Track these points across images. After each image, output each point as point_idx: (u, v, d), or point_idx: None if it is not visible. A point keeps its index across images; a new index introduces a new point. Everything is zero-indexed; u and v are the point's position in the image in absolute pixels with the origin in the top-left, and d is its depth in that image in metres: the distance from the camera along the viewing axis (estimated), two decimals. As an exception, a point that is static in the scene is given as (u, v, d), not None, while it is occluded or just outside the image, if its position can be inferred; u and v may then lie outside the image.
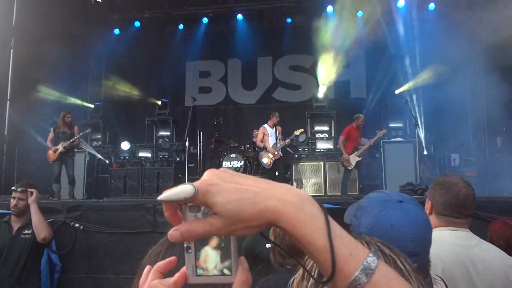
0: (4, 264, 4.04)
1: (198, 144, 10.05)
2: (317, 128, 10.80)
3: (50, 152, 7.83)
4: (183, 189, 0.53)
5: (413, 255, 1.18)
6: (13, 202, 4.16)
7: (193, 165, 9.72)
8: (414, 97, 10.34)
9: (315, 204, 0.57)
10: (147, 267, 0.66)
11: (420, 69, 10.46)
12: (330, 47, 11.57)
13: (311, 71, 12.31)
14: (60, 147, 7.79)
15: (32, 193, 4.20)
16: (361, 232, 1.24)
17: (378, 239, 0.88)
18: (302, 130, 9.23)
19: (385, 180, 8.71)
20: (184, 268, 0.61)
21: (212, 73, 12.86)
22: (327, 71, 12.03)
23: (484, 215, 4.42)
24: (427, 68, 10.26)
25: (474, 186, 2.01)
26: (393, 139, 9.32)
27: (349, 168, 8.30)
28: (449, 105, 9.69)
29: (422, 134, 9.80)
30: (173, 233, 0.56)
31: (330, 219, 0.56)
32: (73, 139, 7.91)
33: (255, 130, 10.45)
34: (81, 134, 8.16)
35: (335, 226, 0.56)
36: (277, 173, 8.70)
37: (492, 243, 2.10)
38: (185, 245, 0.60)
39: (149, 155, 10.47)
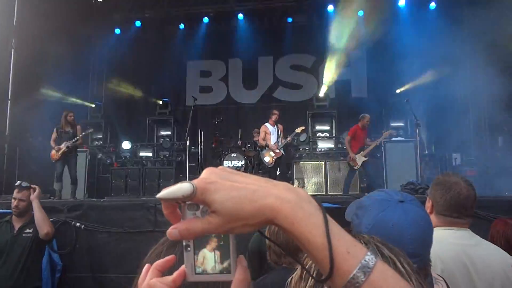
0: (5, 263, 4.08)
1: (199, 144, 10.05)
2: (318, 127, 10.80)
3: (53, 152, 7.87)
4: (182, 187, 0.53)
5: (414, 255, 1.18)
6: (14, 203, 4.22)
7: (194, 164, 9.72)
8: (415, 96, 10.31)
9: (313, 202, 0.57)
10: (146, 265, 0.66)
11: (421, 68, 10.44)
12: (331, 47, 11.57)
13: (312, 70, 12.32)
14: (63, 147, 7.82)
15: (34, 189, 4.27)
16: (362, 232, 1.24)
17: (379, 238, 0.88)
18: (303, 127, 9.23)
19: (386, 179, 8.71)
20: (183, 266, 0.61)
21: (213, 73, 12.86)
22: (328, 70, 12.03)
23: (485, 215, 4.42)
24: (428, 68, 10.25)
25: (475, 185, 2.00)
26: (394, 139, 9.31)
27: (355, 168, 8.30)
28: (450, 104, 9.69)
29: (423, 133, 9.78)
30: (171, 231, 0.56)
31: (329, 217, 0.56)
32: (75, 138, 7.94)
33: (255, 130, 10.47)
34: (83, 133, 8.19)
35: (333, 224, 0.56)
36: (278, 172, 8.69)
37: (493, 243, 2.09)
38: (184, 244, 0.60)
39: (150, 154, 10.48)
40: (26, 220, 4.27)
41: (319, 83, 12.12)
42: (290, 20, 12.05)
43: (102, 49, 11.86)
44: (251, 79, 12.60)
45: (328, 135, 10.59)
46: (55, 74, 9.38)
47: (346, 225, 1.20)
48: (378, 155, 9.16)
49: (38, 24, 8.68)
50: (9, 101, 9.35)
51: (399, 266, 0.78)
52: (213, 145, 10.66)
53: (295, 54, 12.41)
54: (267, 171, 8.90)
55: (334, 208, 4.72)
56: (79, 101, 11.25)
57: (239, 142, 10.53)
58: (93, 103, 12.02)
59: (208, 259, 0.60)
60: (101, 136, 11.25)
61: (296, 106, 11.88)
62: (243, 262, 0.61)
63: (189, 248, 0.60)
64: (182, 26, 12.42)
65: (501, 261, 1.84)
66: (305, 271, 0.84)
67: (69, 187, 8.14)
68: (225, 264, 0.60)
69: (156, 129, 11.71)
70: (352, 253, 0.55)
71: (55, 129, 8.05)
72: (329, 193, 8.88)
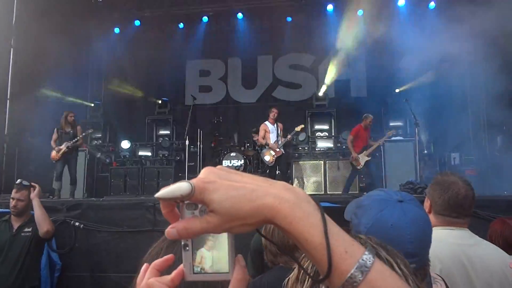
0: (4, 262, 4.11)
1: (198, 143, 10.04)
2: (317, 126, 10.81)
3: (54, 152, 7.92)
4: (180, 187, 0.53)
5: (412, 255, 1.18)
6: (12, 203, 4.25)
7: (193, 164, 9.71)
8: (414, 96, 10.32)
9: (312, 202, 0.57)
10: (145, 265, 0.67)
11: (420, 68, 10.44)
12: (330, 46, 11.57)
13: (311, 70, 12.31)
14: (63, 148, 7.88)
15: (34, 188, 4.32)
16: (361, 231, 1.24)
17: (376, 240, 0.88)
18: (303, 126, 9.24)
19: (385, 179, 8.72)
20: (181, 265, 0.62)
21: (212, 72, 12.85)
22: (327, 70, 12.04)
23: (484, 214, 4.42)
24: (427, 67, 10.25)
25: (474, 185, 1.99)
26: (393, 138, 9.33)
27: (358, 167, 8.30)
28: (449, 103, 9.69)
29: (422, 133, 9.79)
30: (170, 230, 0.56)
31: (327, 216, 0.56)
32: (76, 139, 7.97)
33: (255, 130, 10.46)
34: (83, 134, 8.23)
35: (331, 224, 0.56)
36: (278, 172, 8.68)
37: (492, 242, 2.10)
38: (182, 243, 0.60)
39: (149, 153, 10.49)
40: (25, 219, 4.31)
41: (319, 83, 12.12)
42: (289, 19, 12.04)
43: (101, 48, 11.84)
44: (250, 79, 12.59)
45: (327, 134, 10.60)
46: (54, 74, 9.37)
47: (344, 224, 1.20)
48: (377, 154, 9.17)
49: (37, 23, 8.66)
50: (8, 101, 9.33)
51: (396, 268, 0.78)
52: (212, 145, 10.66)
53: (295, 53, 12.40)
54: (265, 170, 8.90)
55: (333, 208, 4.72)
56: (78, 101, 11.24)
57: (238, 142, 10.54)
58: (92, 103, 12.01)
59: (206, 258, 0.60)
60: (100, 135, 11.24)
61: (295, 105, 11.87)
62: (241, 262, 0.61)
63: (187, 248, 0.60)
64: (181, 25, 12.41)
65: (499, 260, 1.84)
66: (301, 272, 0.84)
67: (68, 187, 8.16)
68: (223, 264, 0.60)
69: (155, 128, 11.70)
70: (350, 253, 0.55)
71: (55, 130, 8.10)
72: (328, 192, 8.89)
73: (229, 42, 12.25)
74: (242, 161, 9.75)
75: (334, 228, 0.56)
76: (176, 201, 0.57)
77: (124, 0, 11.65)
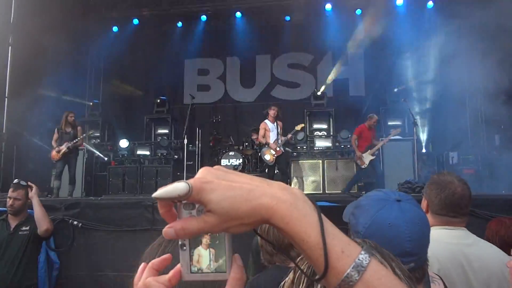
0: (1, 261, 4.13)
1: (197, 142, 10.03)
2: (315, 126, 10.80)
3: (54, 152, 7.95)
4: (177, 187, 0.53)
5: (411, 254, 1.18)
6: (9, 202, 4.27)
7: (191, 163, 9.70)
8: (413, 95, 10.35)
9: (308, 202, 0.57)
10: (142, 264, 0.67)
11: (419, 67, 10.46)
12: (329, 45, 11.58)
13: (310, 69, 12.31)
14: (64, 148, 7.91)
15: (31, 187, 4.35)
16: (359, 231, 1.24)
17: (371, 242, 0.88)
18: (303, 125, 9.22)
19: (384, 178, 8.72)
20: (178, 265, 0.62)
21: (211, 71, 12.84)
22: (325, 69, 12.05)
23: (482, 213, 4.43)
24: (425, 67, 10.26)
25: (472, 184, 2.00)
26: (391, 137, 9.33)
27: (363, 166, 8.28)
28: (447, 103, 9.70)
29: (420, 132, 9.81)
30: (167, 230, 0.56)
31: (323, 216, 0.56)
32: (76, 140, 8.02)
33: (254, 129, 10.45)
34: (84, 135, 8.29)
35: (328, 224, 0.56)
36: (276, 171, 8.67)
37: (489, 241, 2.10)
38: (179, 243, 0.60)
39: (147, 152, 10.47)
40: (22, 218, 4.33)
41: (317, 82, 12.12)
42: (288, 18, 12.03)
43: (99, 47, 11.83)
44: (248, 78, 12.59)
45: (325, 133, 10.60)
46: (53, 72, 9.36)
47: (343, 224, 1.20)
48: (375, 154, 9.17)
49: (36, 22, 8.65)
50: (6, 99, 9.32)
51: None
52: (211, 144, 10.66)
53: (293, 52, 12.40)
54: (264, 169, 8.89)
55: (331, 207, 4.73)
56: (76, 99, 11.22)
57: (236, 141, 10.53)
58: (90, 101, 11.99)
59: (204, 258, 0.61)
60: (98, 134, 11.22)
61: (293, 104, 11.87)
62: (239, 261, 0.61)
63: (184, 247, 0.60)
64: (180, 24, 12.39)
65: (497, 260, 1.85)
66: (297, 275, 0.85)
67: (66, 186, 8.17)
68: (221, 263, 0.60)
69: (153, 127, 11.68)
70: (347, 252, 0.55)
71: (56, 129, 8.14)
72: (326, 191, 8.89)
73: (227, 41, 12.24)
74: (241, 160, 9.75)
75: (330, 228, 0.56)
76: (173, 201, 0.57)
77: (122, -1, 11.64)
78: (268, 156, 8.52)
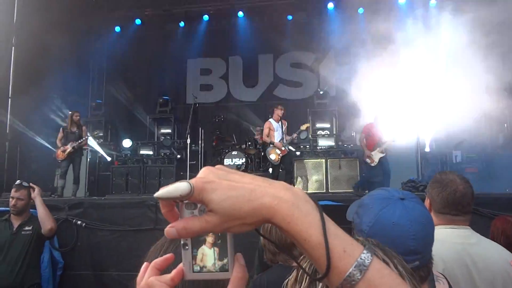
0: (4, 261, 4.15)
1: (200, 142, 10.04)
2: (318, 125, 10.78)
3: (59, 151, 8.03)
4: (179, 187, 0.53)
5: (415, 253, 1.18)
6: (12, 202, 4.30)
7: (194, 162, 9.72)
8: (416, 94, 10.30)
9: (310, 201, 0.57)
10: (145, 264, 0.67)
11: (422, 65, 10.41)
12: (331, 44, 11.56)
13: (312, 68, 12.29)
14: (69, 147, 8.00)
15: (34, 188, 4.38)
16: (363, 230, 1.24)
17: (374, 241, 0.88)
18: (308, 124, 9.21)
19: (390, 177, 8.68)
20: (181, 264, 0.62)
21: (213, 71, 12.84)
22: (328, 68, 12.02)
23: (486, 212, 4.42)
24: (428, 65, 10.22)
25: (476, 183, 2.00)
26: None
27: (372, 164, 8.24)
28: (451, 101, 9.66)
29: (424, 130, 9.77)
30: (169, 230, 0.56)
31: (325, 216, 0.56)
32: (81, 140, 8.08)
33: (257, 128, 10.45)
34: (89, 135, 8.35)
35: (330, 223, 0.56)
36: (280, 170, 8.65)
37: (494, 240, 2.10)
38: (181, 242, 0.60)
39: (150, 152, 10.47)
40: (25, 218, 4.36)
41: (320, 81, 12.10)
42: (290, 17, 12.03)
43: (102, 47, 11.86)
44: (251, 77, 12.59)
45: (328, 132, 10.58)
46: (56, 73, 9.39)
47: (347, 223, 1.20)
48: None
49: (38, 22, 8.67)
50: (9, 99, 9.35)
51: (393, 268, 0.78)
52: (214, 143, 10.66)
53: (296, 51, 12.37)
54: (267, 169, 8.88)
55: (335, 206, 4.73)
56: (79, 99, 11.25)
57: (239, 140, 10.53)
58: (93, 101, 12.02)
59: (208, 257, 0.61)
60: (101, 134, 11.24)
61: (296, 104, 11.85)
62: (241, 260, 0.61)
63: (187, 247, 0.60)
64: (182, 24, 12.40)
65: (502, 259, 1.84)
66: (300, 273, 0.85)
67: (70, 185, 8.21)
68: (223, 262, 0.60)
69: (156, 127, 11.70)
70: (349, 252, 0.55)
71: (61, 129, 8.24)
72: (329, 190, 8.87)
73: (230, 41, 12.24)
74: (244, 160, 9.75)
75: (332, 228, 0.56)
76: (175, 201, 0.57)
77: (124, -1, 11.66)
78: (273, 156, 8.49)
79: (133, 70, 12.41)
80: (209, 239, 0.60)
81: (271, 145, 8.46)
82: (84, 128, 8.36)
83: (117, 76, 12.44)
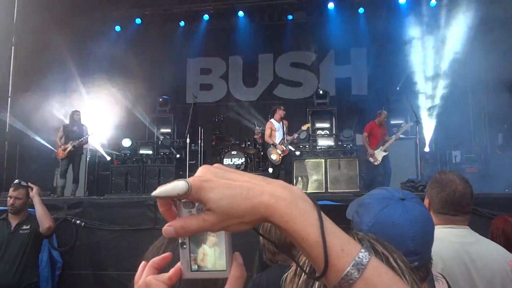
0: (2, 259, 4.17)
1: (199, 141, 10.04)
2: (318, 125, 10.77)
3: (60, 150, 8.04)
4: (177, 185, 0.53)
5: (414, 253, 1.17)
6: (10, 201, 4.32)
7: (194, 162, 9.71)
8: (416, 94, 10.32)
9: (308, 200, 0.57)
10: (143, 262, 0.67)
11: (421, 66, 10.43)
12: (331, 44, 11.57)
13: (312, 68, 12.30)
14: (69, 146, 8.00)
15: (32, 188, 4.39)
16: (362, 230, 1.23)
17: (374, 236, 0.88)
18: (309, 125, 9.22)
19: (390, 177, 8.69)
20: (179, 263, 0.62)
21: (213, 70, 12.85)
22: (328, 68, 12.03)
23: (485, 212, 4.42)
24: (428, 65, 10.23)
25: (475, 182, 2.00)
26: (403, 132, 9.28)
27: (375, 163, 8.24)
28: (451, 101, 9.68)
29: (423, 131, 9.78)
30: (167, 228, 0.56)
31: (323, 214, 0.56)
32: (82, 138, 8.07)
33: (256, 128, 10.45)
34: (89, 134, 8.33)
35: (327, 222, 0.56)
36: (281, 171, 8.64)
37: (493, 240, 2.10)
38: (179, 241, 0.60)
39: (150, 152, 10.46)
40: (23, 217, 4.37)
41: (319, 81, 12.11)
42: (290, 17, 12.03)
43: (102, 46, 11.84)
44: (251, 77, 12.59)
45: (328, 132, 10.57)
46: (55, 72, 9.39)
47: (345, 222, 1.20)
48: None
49: (38, 21, 8.67)
50: (9, 99, 9.35)
51: (392, 262, 0.78)
52: (213, 143, 10.66)
53: (295, 51, 12.39)
54: (266, 169, 8.86)
55: (334, 206, 4.73)
56: (80, 99, 11.23)
57: (239, 140, 10.53)
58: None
59: (209, 256, 0.61)
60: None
61: (296, 103, 11.86)
62: (239, 259, 0.61)
63: (185, 246, 0.60)
64: (182, 23, 12.39)
65: (500, 258, 1.84)
66: (299, 269, 0.85)
67: (69, 185, 8.20)
68: (221, 261, 0.60)
69: (156, 126, 11.70)
70: (346, 250, 0.55)
71: (62, 127, 8.24)
72: (329, 190, 8.86)
73: (230, 40, 12.24)
74: (243, 159, 9.75)
75: (330, 226, 0.56)
76: (173, 200, 0.57)
77: (125, -2, 11.66)
78: (274, 156, 8.48)
79: (133, 69, 12.39)
80: (210, 238, 0.60)
81: (272, 146, 8.47)
82: (85, 127, 8.37)
83: (116, 75, 12.43)
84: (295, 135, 8.76)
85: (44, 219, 4.31)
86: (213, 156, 10.54)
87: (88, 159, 9.77)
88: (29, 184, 4.43)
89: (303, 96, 12.13)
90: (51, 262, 5.25)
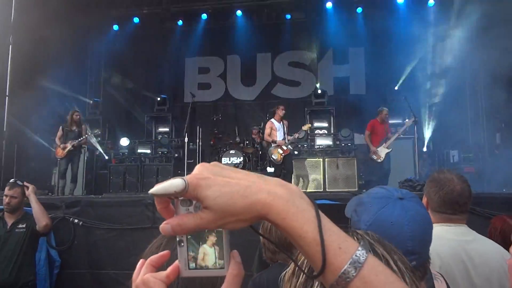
0: None
1: (197, 140, 10.04)
2: (316, 124, 10.78)
3: (59, 149, 8.04)
4: (174, 183, 0.53)
5: (413, 252, 1.17)
6: (5, 200, 4.33)
7: (192, 161, 9.70)
8: (414, 93, 10.33)
9: (305, 198, 0.57)
10: (141, 260, 0.67)
11: (420, 65, 10.44)
12: (330, 43, 11.57)
13: (311, 67, 12.30)
14: (69, 146, 8.00)
15: (27, 187, 4.42)
16: (361, 229, 1.23)
17: (374, 235, 0.87)
18: (310, 125, 9.21)
19: (388, 176, 8.69)
20: (176, 261, 0.61)
21: (211, 69, 12.84)
22: (326, 67, 12.03)
23: (482, 212, 4.43)
24: (426, 65, 10.25)
25: (473, 182, 2.00)
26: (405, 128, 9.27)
27: (379, 160, 8.24)
28: (449, 101, 9.70)
29: (421, 130, 9.80)
30: (164, 226, 0.56)
31: (321, 212, 0.56)
32: (81, 138, 8.08)
33: (254, 127, 10.45)
34: (89, 134, 8.32)
35: (325, 220, 0.56)
36: (283, 171, 8.63)
37: (491, 239, 2.10)
38: (177, 239, 0.60)
39: (148, 151, 10.45)
40: (19, 216, 4.39)
41: (318, 80, 12.11)
42: (288, 16, 12.02)
43: (100, 45, 11.83)
44: (249, 76, 12.58)
45: (326, 132, 10.59)
46: (53, 71, 9.37)
47: (344, 222, 1.20)
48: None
49: (36, 20, 8.64)
50: (7, 97, 9.33)
51: (392, 264, 0.78)
52: (212, 142, 10.66)
53: (294, 51, 12.38)
54: (265, 168, 8.85)
55: (332, 205, 4.72)
56: (77, 97, 11.22)
57: (238, 139, 10.53)
58: (91, 100, 12.00)
59: (210, 256, 0.61)
60: (99, 132, 11.22)
61: (294, 103, 11.85)
62: (237, 257, 0.61)
63: (182, 244, 0.60)
64: (180, 22, 12.37)
65: (498, 256, 1.85)
66: (297, 268, 0.85)
67: (68, 184, 8.20)
68: (219, 259, 0.60)
69: (154, 125, 11.69)
70: (344, 249, 0.55)
71: (61, 127, 8.24)
72: (327, 189, 8.87)
73: (228, 40, 12.22)
74: (242, 159, 9.74)
75: (328, 224, 0.56)
76: (170, 197, 0.56)
77: (123, -3, 11.64)
78: (275, 155, 8.44)
79: (131, 68, 12.38)
80: (205, 236, 0.60)
81: (273, 145, 8.41)
82: (84, 126, 8.39)
83: (115, 74, 12.42)
84: (296, 135, 8.72)
85: (41, 217, 4.33)
86: (211, 155, 10.54)
87: (86, 158, 9.76)
88: (25, 183, 4.45)
89: (301, 96, 12.13)
90: (49, 261, 5.24)
